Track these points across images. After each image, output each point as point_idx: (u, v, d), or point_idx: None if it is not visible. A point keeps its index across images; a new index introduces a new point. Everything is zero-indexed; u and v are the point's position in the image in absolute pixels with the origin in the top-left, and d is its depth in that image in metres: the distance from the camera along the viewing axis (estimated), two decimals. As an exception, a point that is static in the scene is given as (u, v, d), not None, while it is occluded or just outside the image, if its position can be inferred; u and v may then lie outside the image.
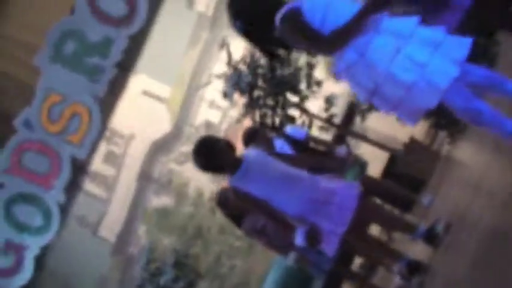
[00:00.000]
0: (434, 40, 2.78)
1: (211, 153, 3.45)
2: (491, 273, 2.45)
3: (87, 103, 7.39)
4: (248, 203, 3.56)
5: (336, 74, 2.96)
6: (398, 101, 2.79)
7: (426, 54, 2.75)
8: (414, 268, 3.62)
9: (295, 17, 2.87)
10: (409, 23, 2.85)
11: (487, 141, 2.98)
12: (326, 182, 3.48)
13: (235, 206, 4.39)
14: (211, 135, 3.62)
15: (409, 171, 6.11)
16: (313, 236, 3.40)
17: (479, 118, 2.85)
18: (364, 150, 10.61)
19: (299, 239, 3.53)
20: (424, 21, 2.88)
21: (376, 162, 7.75)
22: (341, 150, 5.00)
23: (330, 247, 3.45)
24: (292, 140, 4.94)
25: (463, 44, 2.79)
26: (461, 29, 3.03)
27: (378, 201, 6.40)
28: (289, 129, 5.35)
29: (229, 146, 3.48)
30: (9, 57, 8.74)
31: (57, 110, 7.36)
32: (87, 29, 7.20)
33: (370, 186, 5.82)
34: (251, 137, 4.68)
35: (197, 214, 19.59)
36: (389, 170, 6.54)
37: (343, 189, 3.47)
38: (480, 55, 5.36)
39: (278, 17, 2.91)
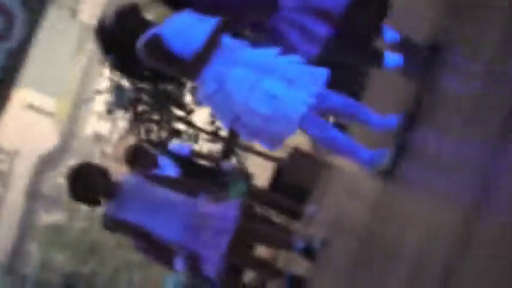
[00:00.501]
0: (291, 73, 2.91)
1: (84, 185, 3.39)
2: (367, 276, 2.58)
3: (-39, 124, 7.02)
4: (124, 231, 3.53)
5: (198, 102, 3.04)
6: (258, 130, 2.91)
7: (282, 87, 2.88)
8: (296, 284, 3.73)
9: (156, 43, 2.91)
10: (268, 55, 2.95)
11: (367, 145, 3.16)
12: (202, 207, 3.51)
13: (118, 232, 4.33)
14: (83, 164, 3.51)
15: (294, 181, 6.26)
16: (192, 264, 3.43)
17: (335, 147, 3.00)
18: (253, 162, 10.78)
19: (178, 266, 3.55)
20: (284, 52, 3.00)
21: (266, 173, 7.89)
22: (227, 165, 5.06)
23: (210, 269, 3.49)
24: (176, 157, 4.94)
25: (318, 76, 2.93)
26: (324, 60, 3.18)
27: (269, 210, 6.54)
28: (172, 145, 5.34)
29: (102, 174, 3.43)
30: None
31: None
32: (-41, 46, 6.85)
33: (257, 198, 5.94)
34: (134, 155, 4.63)
35: (91, 229, 19.07)
36: (276, 180, 6.68)
37: (219, 213, 3.51)
38: (348, 84, 5.58)
39: (139, 44, 2.93)
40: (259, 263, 4.00)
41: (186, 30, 2.93)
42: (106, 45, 3.05)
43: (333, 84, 3.16)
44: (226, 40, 2.94)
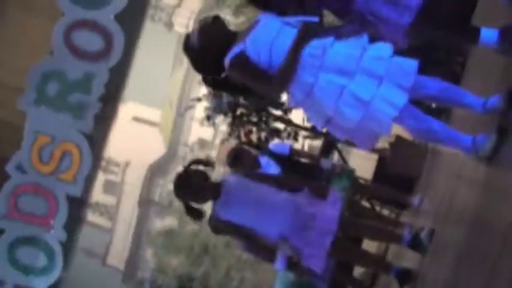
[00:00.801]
0: (379, 70, 2.84)
1: (188, 188, 3.53)
2: (477, 265, 2.52)
3: (75, 140, 7.46)
4: (228, 232, 3.64)
5: (292, 106, 3.08)
6: (351, 131, 2.89)
7: (371, 88, 2.82)
8: (404, 277, 3.68)
9: (242, 61, 2.94)
10: (355, 49, 2.91)
11: (467, 129, 3.07)
12: (307, 207, 3.53)
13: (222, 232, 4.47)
14: (186, 170, 3.66)
15: (398, 171, 6.16)
16: (294, 262, 3.47)
17: (433, 137, 2.93)
18: (355, 153, 10.68)
19: (279, 264, 3.60)
20: (372, 39, 2.96)
21: (369, 164, 7.80)
22: (325, 163, 5.05)
23: (315, 266, 3.51)
24: (277, 156, 5.01)
25: (408, 68, 2.86)
26: (415, 36, 3.10)
27: (375, 203, 6.46)
28: (272, 145, 5.42)
29: (203, 177, 3.55)
30: (-1, 102, 8.84)
31: (47, 151, 7.42)
32: (67, 68, 7.28)
33: (361, 192, 5.90)
34: (235, 158, 4.75)
35: (201, 232, 19.63)
36: (379, 171, 6.60)
37: (323, 213, 3.51)
38: (445, 66, 5.42)
39: (226, 63, 2.98)
40: (367, 258, 3.98)
41: (270, 42, 2.94)
42: (194, 62, 3.14)
43: (427, 67, 3.08)
44: (311, 44, 2.93)
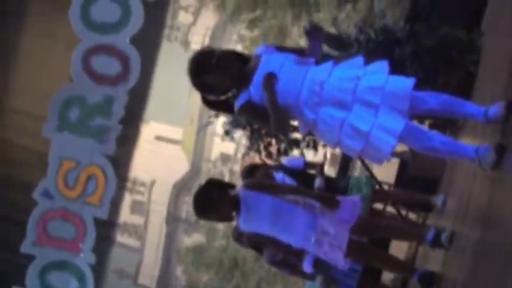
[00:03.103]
0: (376, 99, 2.94)
1: (208, 204, 3.58)
2: (495, 264, 2.52)
3: (99, 164, 7.57)
4: (257, 241, 3.68)
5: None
6: (360, 153, 3.00)
7: (369, 119, 2.93)
8: (427, 280, 3.68)
9: (249, 108, 3.18)
10: (348, 87, 3.02)
11: (480, 132, 3.11)
12: (320, 222, 3.55)
13: (248, 242, 4.51)
14: (204, 186, 3.70)
15: (420, 173, 6.15)
16: (321, 264, 3.51)
17: (437, 153, 3.00)
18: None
19: (307, 267, 3.64)
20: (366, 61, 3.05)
21: (391, 168, 7.79)
22: (318, 183, 5.01)
23: (338, 262, 3.53)
24: (291, 171, 5.04)
25: (404, 90, 2.94)
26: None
27: (399, 207, 6.44)
28: (286, 160, 5.44)
29: (223, 194, 3.59)
30: (21, 129, 9.01)
31: (73, 175, 7.55)
32: (86, 93, 7.41)
33: (383, 198, 5.90)
34: (249, 173, 4.80)
35: (230, 246, 19.67)
36: (401, 175, 6.59)
37: (335, 227, 3.53)
38: (467, 49, 5.44)
39: (236, 109, 3.19)
40: (391, 261, 3.99)
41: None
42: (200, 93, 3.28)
43: (440, 68, 3.16)
44: (311, 76, 3.06)
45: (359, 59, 3.11)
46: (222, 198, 3.55)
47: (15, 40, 8.77)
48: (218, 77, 3.17)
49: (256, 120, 3.26)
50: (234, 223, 3.97)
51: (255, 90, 3.11)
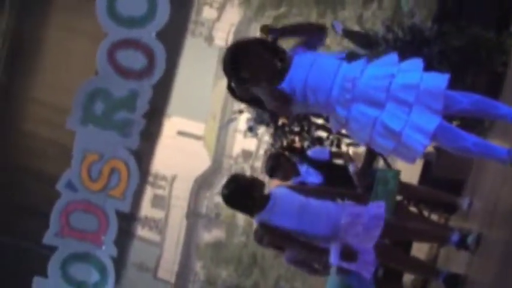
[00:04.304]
0: (409, 97, 2.91)
1: (240, 192, 3.60)
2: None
3: (123, 157, 7.62)
4: (278, 236, 3.68)
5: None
6: (391, 152, 2.97)
7: (401, 118, 2.90)
8: (452, 282, 3.65)
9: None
10: (382, 84, 2.98)
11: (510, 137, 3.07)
12: (351, 208, 3.56)
13: (270, 242, 4.50)
14: (239, 174, 3.78)
15: (445, 174, 6.08)
16: (348, 253, 3.49)
17: (468, 154, 2.96)
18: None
19: (333, 258, 3.62)
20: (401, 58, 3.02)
21: (415, 168, 7.73)
22: (353, 168, 4.96)
23: (365, 271, 3.52)
24: (316, 162, 5.00)
25: (438, 89, 2.90)
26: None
27: (422, 207, 6.38)
28: (311, 152, 5.41)
29: (256, 184, 3.61)
30: (45, 121, 9.10)
31: (96, 168, 7.60)
32: (111, 86, 7.46)
33: (407, 195, 5.83)
34: (274, 165, 4.78)
35: (249, 243, 19.70)
36: (426, 175, 6.53)
37: (368, 211, 3.54)
38: (496, 50, 5.37)
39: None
40: (415, 264, 3.96)
41: (304, 79, 3.10)
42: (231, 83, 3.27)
43: (468, 68, 3.14)
44: (342, 72, 3.03)
45: (393, 56, 3.08)
46: (255, 191, 3.56)
47: (41, 33, 8.86)
48: (253, 71, 3.15)
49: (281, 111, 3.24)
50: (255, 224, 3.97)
51: (288, 88, 3.09)
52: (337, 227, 3.50)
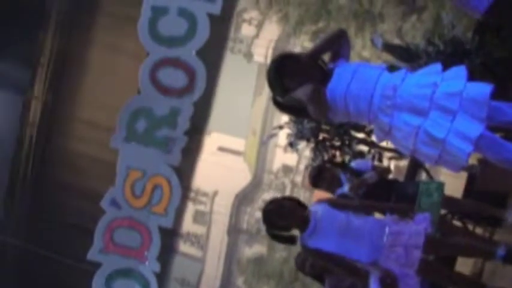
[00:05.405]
0: (453, 105, 2.87)
1: (279, 214, 3.59)
2: None
3: (165, 173, 7.73)
4: (321, 259, 3.65)
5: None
6: (436, 160, 2.92)
7: (445, 125, 2.86)
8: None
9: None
10: (425, 93, 2.96)
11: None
12: (392, 225, 3.52)
13: (312, 268, 4.47)
14: (279, 198, 3.75)
15: (489, 187, 5.97)
16: (388, 283, 3.44)
17: None
18: (443, 173, 10.40)
19: (374, 286, 3.57)
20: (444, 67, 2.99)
21: (459, 182, 7.60)
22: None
23: (415, 263, 3.46)
24: (359, 174, 4.97)
25: (483, 98, 2.86)
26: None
27: (466, 220, 6.26)
28: (354, 163, 5.38)
29: (297, 205, 3.60)
30: (89, 139, 9.28)
31: (140, 185, 7.72)
32: (153, 105, 7.59)
33: (451, 207, 5.74)
34: (317, 177, 4.77)
35: (290, 258, 19.62)
36: (469, 188, 6.41)
37: (409, 229, 3.50)
38: None
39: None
40: (460, 280, 3.89)
41: (345, 90, 3.08)
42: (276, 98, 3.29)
43: (504, 93, 3.09)
44: (383, 81, 3.01)
45: (437, 66, 3.06)
46: (295, 213, 3.56)
47: (84, 52, 9.06)
48: (297, 82, 3.18)
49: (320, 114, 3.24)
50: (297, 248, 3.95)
51: (329, 99, 3.10)
52: (379, 248, 3.44)
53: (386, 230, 3.49)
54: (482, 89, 2.92)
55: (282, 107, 3.39)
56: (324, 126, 6.47)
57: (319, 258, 3.70)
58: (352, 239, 3.52)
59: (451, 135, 2.87)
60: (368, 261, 3.52)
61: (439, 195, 4.96)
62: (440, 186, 5.13)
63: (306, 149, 6.94)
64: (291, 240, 3.74)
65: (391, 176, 5.66)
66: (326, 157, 6.43)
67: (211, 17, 7.46)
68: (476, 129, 2.85)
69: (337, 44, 3.24)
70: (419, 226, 3.51)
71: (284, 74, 3.21)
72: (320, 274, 4.76)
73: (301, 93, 3.14)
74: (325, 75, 3.19)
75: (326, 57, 3.40)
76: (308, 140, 6.53)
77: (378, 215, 4.12)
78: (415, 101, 2.94)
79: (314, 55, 3.22)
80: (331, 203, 3.78)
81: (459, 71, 3.01)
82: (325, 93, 3.06)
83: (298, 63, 3.20)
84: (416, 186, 4.99)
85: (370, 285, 3.61)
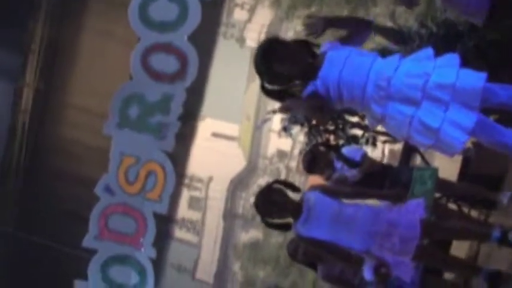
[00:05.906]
0: (446, 95, 2.86)
1: (270, 202, 3.57)
2: None
3: (159, 160, 7.70)
4: (314, 247, 3.64)
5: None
6: (429, 147, 2.92)
7: (438, 115, 2.85)
8: (494, 280, 3.58)
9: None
10: (417, 83, 2.94)
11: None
12: (387, 213, 3.51)
13: (304, 255, 4.47)
14: (270, 184, 3.73)
15: (484, 169, 5.98)
16: (381, 270, 3.44)
17: (507, 149, 2.91)
18: (438, 156, 10.41)
19: (367, 274, 3.57)
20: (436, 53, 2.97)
21: (453, 165, 7.61)
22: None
23: (405, 274, 3.47)
24: (350, 161, 4.96)
25: (475, 86, 2.85)
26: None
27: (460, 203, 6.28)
28: (345, 150, 5.37)
29: (286, 197, 3.58)
30: (81, 126, 9.25)
31: (133, 171, 7.69)
32: (146, 91, 7.54)
33: (445, 191, 5.75)
34: (311, 162, 4.76)
35: (286, 243, 19.69)
36: (464, 171, 6.41)
37: (404, 219, 3.48)
38: None
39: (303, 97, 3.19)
40: (455, 263, 3.89)
41: (338, 77, 3.04)
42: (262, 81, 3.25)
43: (493, 75, 3.07)
44: (377, 68, 2.99)
45: (428, 51, 3.04)
46: (286, 201, 3.54)
47: (75, 39, 9.00)
48: (286, 67, 3.15)
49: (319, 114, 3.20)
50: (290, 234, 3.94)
51: (321, 85, 3.08)
52: (372, 236, 3.43)
53: (381, 218, 3.48)
54: (475, 79, 2.91)
55: (271, 93, 3.35)
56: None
57: (312, 246, 3.70)
58: (344, 227, 3.51)
59: (446, 124, 2.88)
60: (361, 249, 3.51)
61: (433, 182, 4.97)
62: (434, 173, 5.13)
63: (300, 134, 6.92)
64: (286, 227, 3.73)
65: (385, 161, 5.66)
66: (320, 141, 6.41)
67: (202, 1, 7.39)
68: (470, 118, 2.86)
69: (355, 27, 3.21)
70: (414, 215, 3.49)
71: (272, 59, 3.17)
72: (312, 261, 4.77)
73: (301, 110, 3.15)
74: (315, 59, 3.16)
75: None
76: (302, 125, 6.50)
77: (371, 201, 4.12)
78: (407, 91, 2.94)
79: (332, 21, 3.19)
80: (324, 190, 3.77)
81: (452, 58, 3.00)
82: (322, 101, 3.05)
83: (287, 47, 3.17)
84: (410, 173, 4.99)
85: (363, 272, 3.61)
